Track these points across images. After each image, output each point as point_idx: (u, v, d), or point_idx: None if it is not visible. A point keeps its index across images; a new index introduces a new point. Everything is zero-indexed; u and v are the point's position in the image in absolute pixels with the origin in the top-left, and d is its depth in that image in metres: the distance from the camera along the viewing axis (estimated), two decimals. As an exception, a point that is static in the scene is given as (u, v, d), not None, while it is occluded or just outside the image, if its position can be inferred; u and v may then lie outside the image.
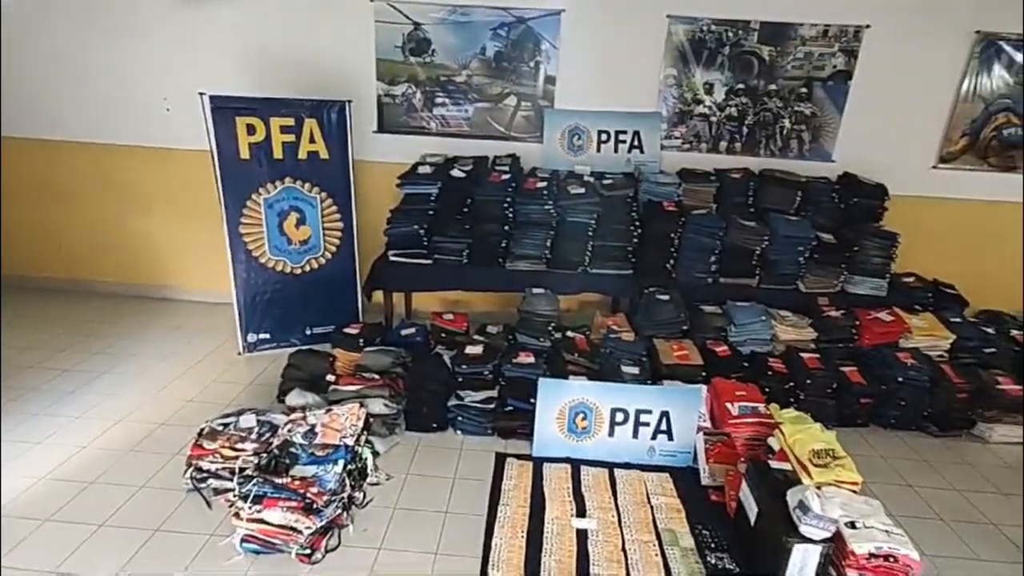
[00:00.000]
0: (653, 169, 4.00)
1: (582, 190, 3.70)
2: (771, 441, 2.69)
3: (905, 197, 3.92)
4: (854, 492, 2.34)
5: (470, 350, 3.23)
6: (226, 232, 3.66)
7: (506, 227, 3.69)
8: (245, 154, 3.59)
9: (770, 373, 3.31)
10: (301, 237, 3.87)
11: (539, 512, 2.58)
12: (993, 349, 3.54)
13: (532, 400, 2.98)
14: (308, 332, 4.01)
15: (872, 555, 2.08)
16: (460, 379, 3.15)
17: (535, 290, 3.65)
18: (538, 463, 2.92)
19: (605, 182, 3.81)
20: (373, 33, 3.99)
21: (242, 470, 2.39)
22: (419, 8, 3.93)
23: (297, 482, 2.26)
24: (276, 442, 2.49)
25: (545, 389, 2.95)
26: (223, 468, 2.47)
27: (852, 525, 2.12)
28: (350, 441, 2.53)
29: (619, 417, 2.95)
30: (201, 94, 3.41)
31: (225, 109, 3.48)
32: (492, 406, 3.12)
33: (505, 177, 3.74)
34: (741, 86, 3.99)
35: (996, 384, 3.31)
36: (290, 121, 3.64)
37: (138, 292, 4.65)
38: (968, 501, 2.85)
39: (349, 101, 3.75)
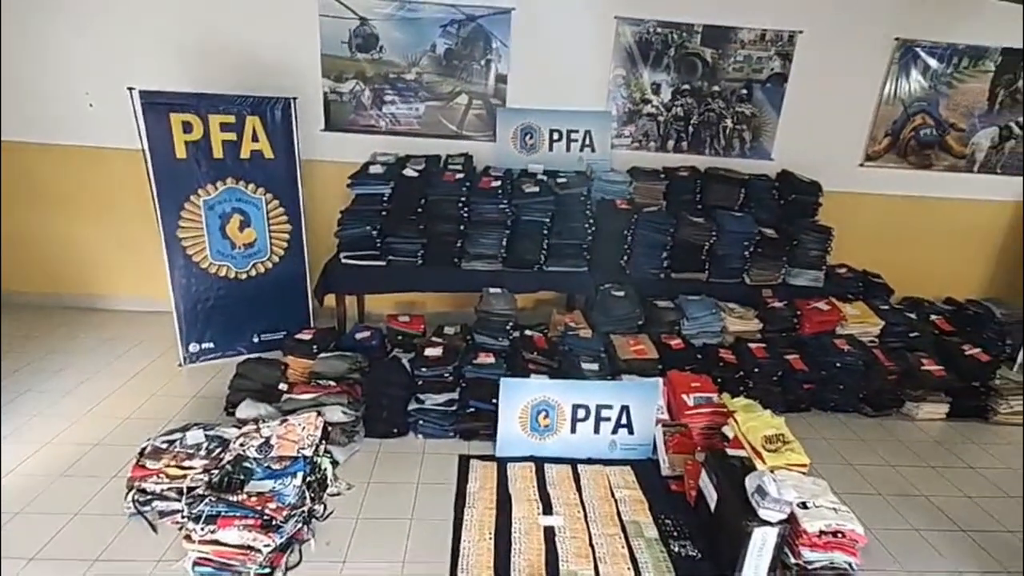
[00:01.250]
0: (605, 167, 4.07)
1: (537, 189, 3.72)
2: (726, 430, 2.80)
3: (836, 193, 4.17)
4: (803, 474, 2.47)
5: (429, 352, 3.18)
6: (162, 236, 3.44)
7: (461, 227, 3.65)
8: (181, 153, 3.38)
9: (721, 364, 3.45)
10: (245, 240, 3.68)
11: (506, 512, 2.57)
12: (916, 333, 3.83)
13: (494, 400, 2.97)
14: (256, 340, 3.83)
15: (823, 532, 2.21)
16: (420, 382, 3.10)
17: (492, 289, 3.64)
18: (502, 463, 2.91)
19: (559, 180, 3.84)
20: (318, 27, 3.84)
21: (191, 489, 2.25)
22: (365, 3, 3.82)
23: (253, 498, 2.15)
24: (228, 457, 2.36)
25: (507, 389, 2.94)
26: (169, 488, 2.32)
27: (804, 505, 2.24)
28: (308, 452, 2.44)
29: (581, 413, 2.99)
30: (130, 89, 3.18)
31: (158, 105, 3.26)
32: (454, 408, 3.09)
33: (459, 176, 3.70)
34: (686, 87, 4.13)
35: (921, 366, 3.58)
36: (231, 118, 3.46)
37: (65, 303, 4.29)
38: (901, 475, 3.07)
39: (294, 98, 3.60)
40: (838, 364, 3.49)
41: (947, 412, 3.58)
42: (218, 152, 3.47)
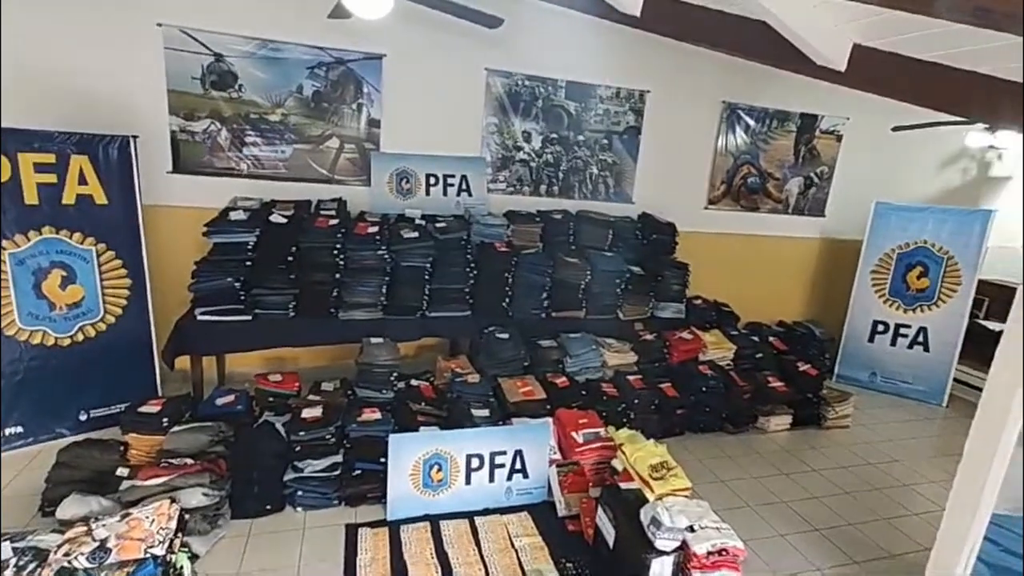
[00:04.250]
0: (482, 211, 4.14)
1: (416, 234, 3.65)
2: (615, 463, 2.89)
3: (687, 232, 4.66)
4: (687, 497, 2.62)
5: (307, 413, 2.89)
6: (-50, 299, 2.78)
7: (337, 275, 3.45)
8: (-21, 198, 2.80)
9: (604, 398, 3.59)
10: (69, 300, 3.12)
11: (402, 583, 2.37)
12: (761, 354, 4.34)
13: (382, 459, 2.77)
14: (83, 418, 3.22)
15: (710, 552, 2.33)
16: (298, 448, 2.79)
17: (373, 339, 3.46)
18: (394, 527, 2.71)
19: (438, 225, 3.81)
20: (163, 61, 3.47)
21: (-6, 624, 1.76)
22: (220, 38, 3.55)
23: (87, 623, 1.74)
24: (48, 574, 1.90)
25: (396, 445, 2.77)
26: (-40, 628, 1.79)
27: (691, 529, 2.36)
28: (159, 551, 2.05)
29: (475, 463, 2.90)
30: (-95, 120, 2.59)
31: (-54, 141, 2.69)
32: (337, 472, 2.83)
33: (333, 222, 3.51)
34: (555, 135, 4.39)
35: (768, 383, 4.04)
36: (49, 158, 2.95)
37: None
38: (763, 485, 3.39)
39: (134, 136, 3.18)
40: (704, 388, 3.82)
41: (790, 422, 4.07)
42: (31, 197, 2.94)
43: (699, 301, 4.56)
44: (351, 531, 2.67)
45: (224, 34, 3.54)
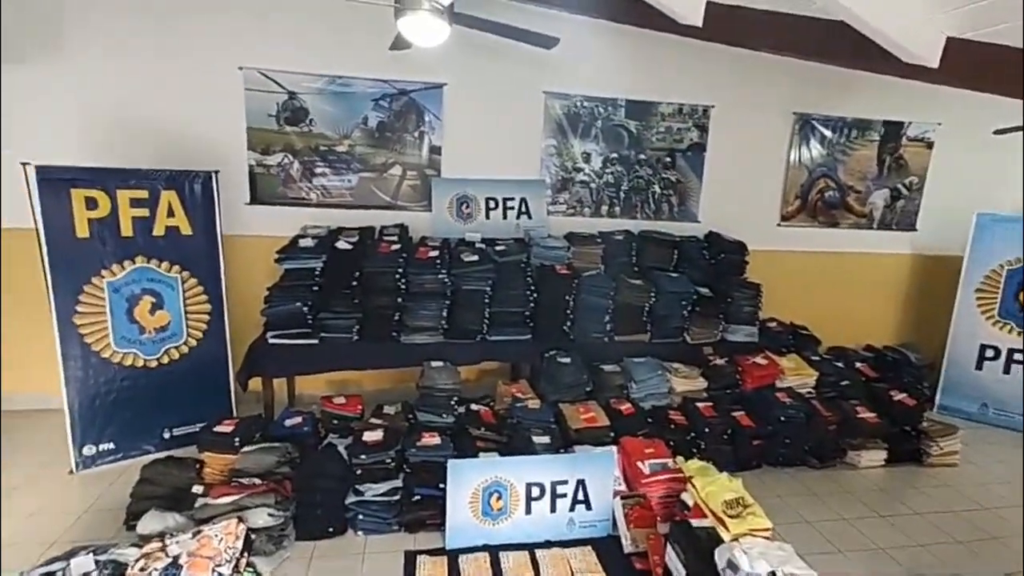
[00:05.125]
0: (542, 234, 4.10)
1: (476, 257, 3.66)
2: (685, 497, 2.70)
3: (759, 251, 4.40)
4: (767, 538, 2.39)
5: (368, 436, 2.91)
6: (55, 323, 3.05)
7: (399, 299, 3.51)
8: (83, 232, 3.08)
9: (672, 426, 3.40)
10: (157, 324, 3.34)
11: (460, 616, 2.30)
12: (847, 382, 3.97)
13: (441, 486, 2.73)
14: (168, 436, 3.41)
15: (796, 603, 2.10)
16: (359, 471, 2.81)
17: (434, 363, 3.48)
18: (453, 556, 2.64)
19: (498, 248, 3.81)
20: (243, 101, 3.73)
21: (76, 634, 1.85)
22: (294, 77, 3.78)
23: (156, 639, 1.78)
24: (125, 587, 1.98)
25: (455, 471, 2.72)
26: (48, 636, 1.89)
27: (772, 575, 2.14)
28: (226, 570, 2.10)
29: (535, 492, 2.80)
30: (24, 164, 2.89)
31: (56, 181, 2.98)
32: (397, 497, 2.82)
33: (395, 247, 3.59)
34: (615, 155, 4.31)
35: (856, 414, 3.68)
36: (143, 193, 3.21)
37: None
38: (856, 528, 3.06)
39: (216, 171, 3.42)
40: (782, 418, 3.53)
41: (885, 458, 3.68)
42: (127, 230, 3.20)
43: (774, 324, 4.27)
44: (410, 558, 2.63)
45: (297, 73, 3.77)
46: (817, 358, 4.05)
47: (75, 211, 3.05)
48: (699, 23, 3.09)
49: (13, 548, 2.53)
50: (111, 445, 3.27)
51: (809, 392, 3.83)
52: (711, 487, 2.62)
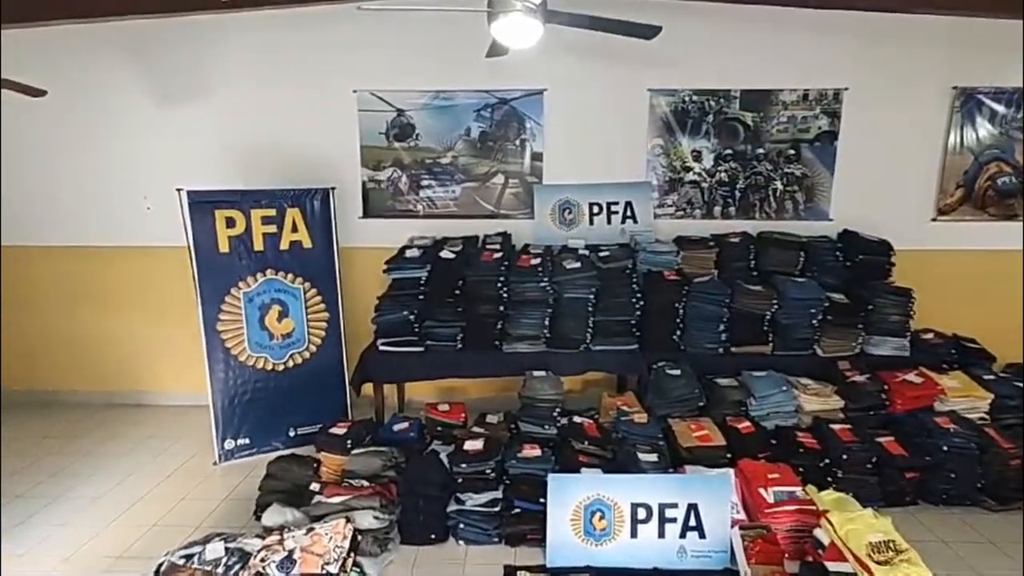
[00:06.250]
0: (649, 238, 3.88)
1: (578, 264, 3.55)
2: (818, 533, 2.36)
3: (907, 251, 3.79)
4: (927, 593, 2.00)
5: (469, 446, 2.91)
6: (202, 330, 3.43)
7: (501, 307, 3.50)
8: (224, 248, 3.44)
9: (801, 450, 3.01)
10: (284, 331, 3.64)
11: (560, 641, 2.18)
12: (1034, 407, 3.27)
13: (542, 500, 2.64)
14: (292, 434, 3.69)
15: None
16: (460, 480, 2.81)
17: (536, 373, 3.41)
18: (554, 575, 2.53)
19: (601, 254, 3.66)
20: (357, 121, 3.98)
21: (206, 616, 2.01)
22: (401, 95, 3.95)
23: (269, 630, 1.88)
24: (246, 576, 2.13)
25: (556, 486, 2.62)
26: (184, 613, 2.08)
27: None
28: (334, 568, 2.18)
29: (641, 514, 2.60)
30: (179, 190, 3.31)
31: (203, 203, 3.37)
32: (497, 509, 2.77)
33: (497, 256, 3.59)
34: (729, 151, 3.97)
35: (1049, 446, 3.01)
36: (271, 212, 3.53)
37: (110, 400, 4.33)
38: (1050, 589, 2.47)
39: (333, 188, 3.66)
40: (945, 447, 2.97)
41: (1092, 503, 2.96)
42: (259, 245, 3.52)
43: (930, 336, 3.65)
44: (510, 572, 2.56)
45: (404, 91, 3.94)
46: (991, 377, 3.38)
47: (218, 229, 3.42)
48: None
49: (166, 529, 2.86)
50: (247, 440, 3.61)
51: (982, 418, 3.21)
52: (852, 525, 2.27)
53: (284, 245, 3.58)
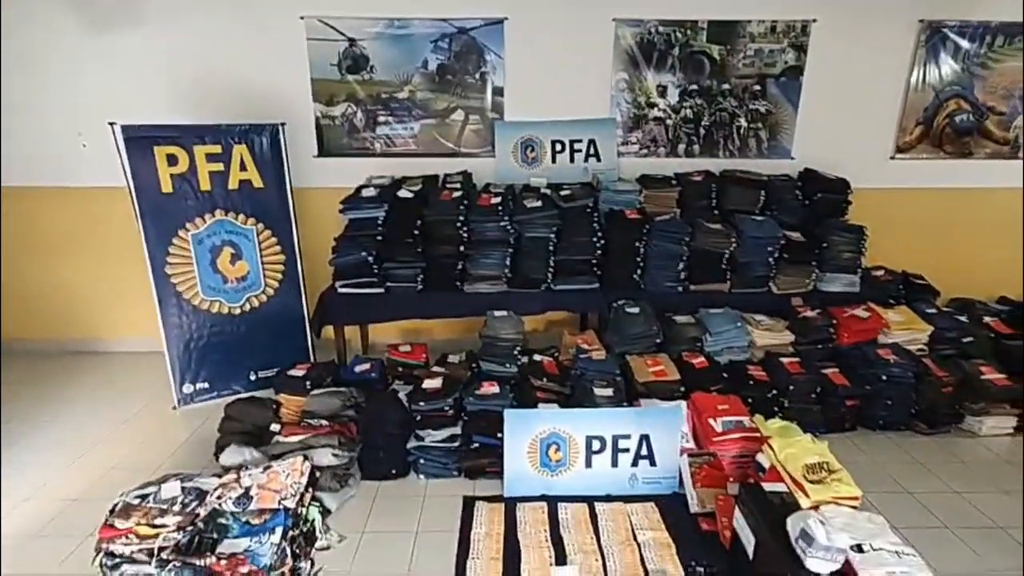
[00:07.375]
0: (612, 177, 3.83)
1: (539, 203, 3.49)
2: (760, 458, 2.48)
3: (866, 189, 3.83)
4: (854, 508, 2.13)
5: (427, 384, 2.94)
6: (151, 274, 3.32)
7: (461, 247, 3.44)
8: (167, 187, 3.27)
9: (751, 382, 3.12)
10: (238, 274, 3.54)
11: (514, 563, 2.29)
12: (971, 338, 3.44)
13: (499, 435, 2.70)
14: (253, 377, 3.66)
15: (885, 582, 1.86)
16: (419, 417, 2.85)
17: (497, 312, 3.41)
18: (510, 504, 2.63)
19: (563, 193, 3.61)
20: (306, 52, 3.74)
21: (161, 550, 2.04)
22: (353, 23, 3.70)
23: (223, 562, 1.93)
24: (203, 512, 2.14)
25: (512, 421, 2.68)
26: (140, 550, 2.09)
27: (859, 548, 1.90)
28: (291, 503, 2.21)
29: (596, 445, 2.70)
30: (112, 124, 3.09)
31: (141, 139, 3.17)
32: (456, 444, 2.84)
33: (457, 195, 3.50)
34: (694, 87, 3.88)
35: (980, 375, 3.18)
36: (216, 148, 3.34)
37: (64, 348, 4.20)
38: (969, 503, 2.68)
39: (282, 124, 3.48)
40: (884, 377, 3.12)
41: (1015, 426, 3.18)
42: (205, 184, 3.36)
43: (880, 272, 3.76)
44: (468, 502, 2.66)
45: (356, 18, 3.69)
46: (933, 311, 3.53)
47: (159, 167, 3.24)
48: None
49: (122, 472, 2.85)
50: (206, 385, 3.57)
51: (920, 349, 3.36)
52: (791, 449, 2.38)
53: (233, 184, 3.42)
